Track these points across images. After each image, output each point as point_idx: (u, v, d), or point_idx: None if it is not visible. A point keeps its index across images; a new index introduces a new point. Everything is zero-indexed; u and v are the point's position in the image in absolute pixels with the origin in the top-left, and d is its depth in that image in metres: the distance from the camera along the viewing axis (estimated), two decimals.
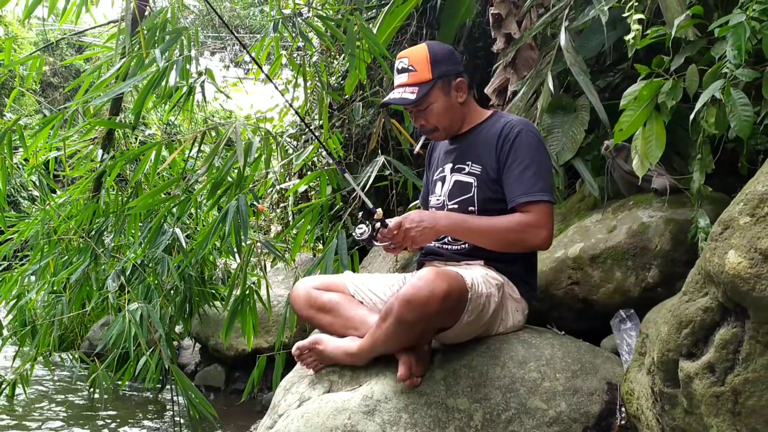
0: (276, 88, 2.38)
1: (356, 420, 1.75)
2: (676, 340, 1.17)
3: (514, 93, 2.83)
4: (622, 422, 1.64)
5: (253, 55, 3.35)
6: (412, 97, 1.94)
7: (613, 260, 2.18)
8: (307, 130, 4.46)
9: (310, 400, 1.89)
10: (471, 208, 1.98)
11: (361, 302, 2.02)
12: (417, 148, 2.32)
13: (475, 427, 1.69)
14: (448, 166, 2.08)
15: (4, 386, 3.53)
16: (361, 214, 2.02)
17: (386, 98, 2.02)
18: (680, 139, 2.27)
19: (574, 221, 2.55)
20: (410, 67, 1.96)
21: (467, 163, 2.02)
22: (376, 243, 1.98)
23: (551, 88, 2.52)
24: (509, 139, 1.92)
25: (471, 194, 1.99)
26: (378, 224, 1.93)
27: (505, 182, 1.92)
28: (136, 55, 2.89)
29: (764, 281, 0.97)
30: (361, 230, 1.96)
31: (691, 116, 1.85)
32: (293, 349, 1.98)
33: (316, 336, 1.98)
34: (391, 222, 1.91)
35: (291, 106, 2.31)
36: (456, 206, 2.01)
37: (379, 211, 1.94)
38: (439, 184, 2.10)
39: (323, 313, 2.01)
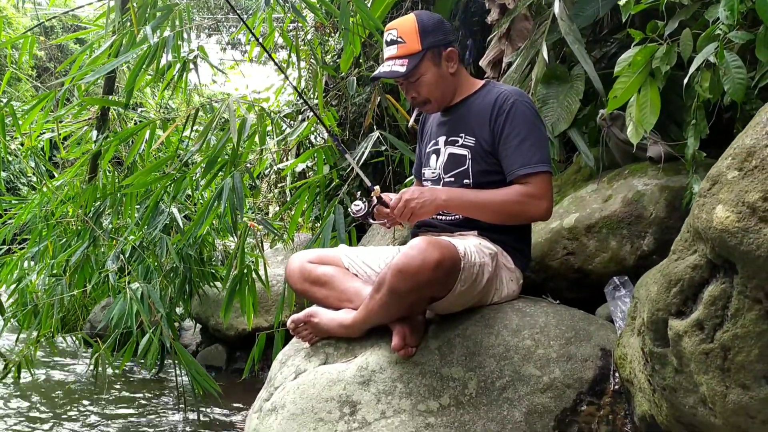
0: (273, 60, 2.35)
1: (351, 390, 1.76)
2: (665, 299, 1.17)
3: (509, 64, 2.80)
4: (616, 387, 1.64)
5: (247, 32, 3.32)
6: (402, 69, 1.91)
7: (608, 229, 2.18)
8: (302, 108, 4.44)
9: (306, 372, 1.89)
10: (466, 181, 1.97)
11: (356, 275, 2.01)
12: (411, 122, 2.30)
13: (469, 395, 1.70)
14: (442, 139, 2.06)
15: (9, 368, 3.56)
16: (360, 192, 2.01)
17: (376, 72, 1.99)
18: (675, 107, 2.25)
19: (569, 192, 2.54)
20: (399, 39, 1.93)
21: (460, 135, 2.00)
22: (372, 220, 1.97)
23: (546, 58, 2.49)
24: (504, 110, 1.90)
25: (465, 167, 1.97)
26: (375, 201, 1.92)
27: (501, 155, 1.90)
28: (127, 31, 2.87)
29: (752, 235, 0.96)
30: (358, 207, 1.95)
31: (685, 80, 1.83)
32: (288, 322, 1.99)
33: (310, 309, 1.98)
34: (391, 197, 1.89)
35: (287, 77, 2.29)
36: (452, 179, 2.00)
37: (377, 188, 1.93)
38: (433, 156, 2.09)
39: (318, 287, 2.00)
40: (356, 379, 1.78)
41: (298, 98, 4.69)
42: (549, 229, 2.33)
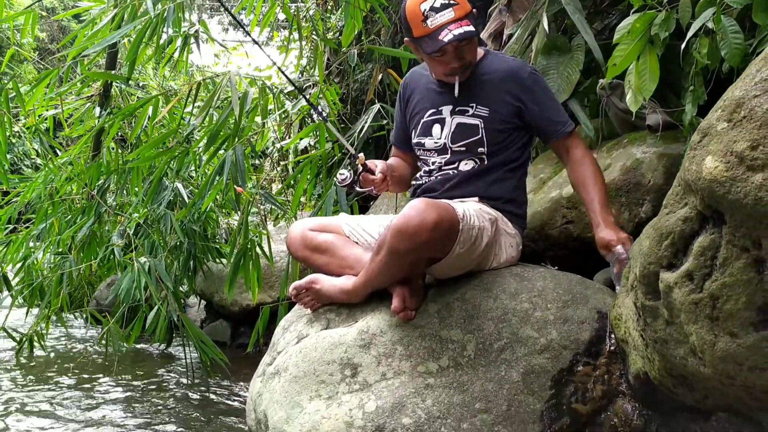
0: (246, 32, 2.33)
1: (352, 353, 1.80)
2: (656, 252, 1.19)
3: (510, 36, 2.81)
4: (611, 347, 1.67)
5: (248, 10, 3.33)
6: (471, 29, 1.87)
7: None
8: (304, 85, 4.45)
9: (308, 337, 1.93)
10: (480, 149, 1.99)
11: (356, 243, 2.04)
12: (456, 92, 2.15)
13: (468, 357, 1.73)
14: (447, 108, 2.04)
15: (23, 342, 3.61)
16: (348, 160, 2.01)
17: (449, 37, 1.85)
18: (674, 77, 2.26)
19: None
20: (452, 1, 1.87)
21: (470, 105, 2.00)
22: (358, 188, 1.99)
23: (546, 28, 2.49)
24: (528, 82, 1.98)
25: (479, 136, 1.99)
26: (360, 168, 1.94)
27: (538, 120, 1.99)
28: (128, 5, 2.88)
29: (739, 183, 0.98)
30: (343, 176, 1.96)
31: (683, 46, 1.84)
32: (290, 289, 2.02)
33: (312, 276, 2.01)
34: (376, 164, 1.89)
35: (273, 61, 2.29)
36: (462, 148, 2.01)
37: (361, 156, 1.95)
38: (436, 126, 2.06)
39: (318, 254, 2.03)
40: (357, 342, 1.81)
41: (300, 75, 4.71)
42: (548, 199, 2.35)
